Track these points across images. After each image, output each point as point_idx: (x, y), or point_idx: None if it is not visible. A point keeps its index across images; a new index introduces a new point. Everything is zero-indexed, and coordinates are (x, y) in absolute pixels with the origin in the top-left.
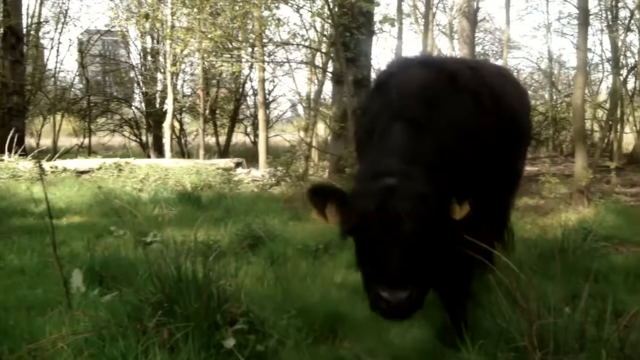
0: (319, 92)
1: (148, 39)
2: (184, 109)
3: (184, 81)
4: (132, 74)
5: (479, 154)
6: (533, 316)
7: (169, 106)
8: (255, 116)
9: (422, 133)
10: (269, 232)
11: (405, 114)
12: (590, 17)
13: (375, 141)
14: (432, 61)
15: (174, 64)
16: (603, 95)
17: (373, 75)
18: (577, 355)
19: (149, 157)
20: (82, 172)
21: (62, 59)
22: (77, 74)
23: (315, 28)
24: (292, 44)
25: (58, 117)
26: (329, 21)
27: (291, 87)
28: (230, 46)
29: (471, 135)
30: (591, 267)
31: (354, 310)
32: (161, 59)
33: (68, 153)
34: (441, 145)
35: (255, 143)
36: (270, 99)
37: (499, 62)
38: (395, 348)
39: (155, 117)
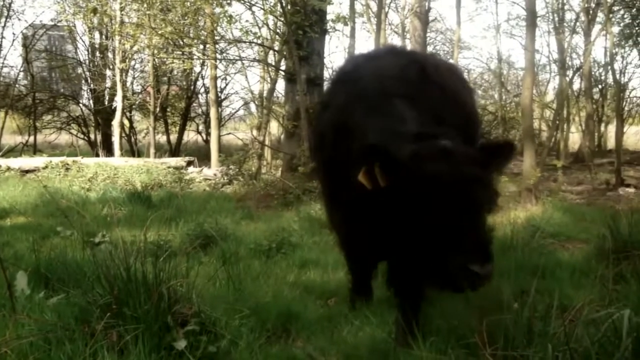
0: (271, 90)
1: (96, 34)
2: (133, 106)
3: (134, 78)
4: (79, 71)
5: None
6: (483, 313)
7: (118, 104)
8: (207, 114)
9: (423, 109)
10: (221, 231)
11: (400, 92)
12: (538, 19)
13: (371, 124)
14: (400, 51)
15: (123, 61)
16: (550, 96)
17: (326, 74)
18: (525, 349)
19: (97, 155)
20: (27, 171)
21: (5, 54)
22: (22, 69)
23: (268, 26)
24: (245, 42)
25: (1, 114)
26: (282, 19)
27: (244, 85)
28: (182, 43)
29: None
30: (539, 263)
31: (306, 309)
32: (110, 55)
33: (12, 151)
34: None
35: (207, 141)
36: (223, 96)
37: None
38: (347, 346)
39: (104, 115)
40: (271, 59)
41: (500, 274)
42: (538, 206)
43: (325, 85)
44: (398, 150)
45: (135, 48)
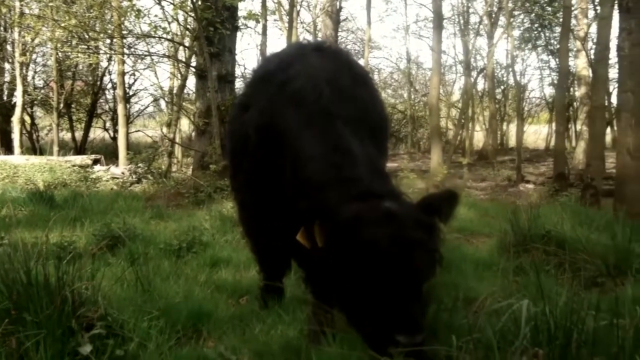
0: (182, 87)
1: None
2: (35, 102)
3: (35, 72)
4: None
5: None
6: None
7: (18, 99)
8: (114, 111)
9: (360, 133)
10: (130, 231)
11: (338, 111)
12: (444, 21)
13: (309, 138)
14: (326, 50)
15: (23, 54)
16: (456, 96)
17: (238, 71)
18: (432, 341)
19: None
20: None
21: None
22: None
23: (177, 21)
24: (154, 37)
25: None
26: (192, 15)
27: (153, 81)
28: (87, 37)
29: (375, 130)
30: (445, 257)
31: (218, 309)
32: (9, 47)
33: None
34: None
35: (114, 139)
36: (131, 93)
37: (361, 62)
38: (259, 345)
39: (2, 111)
40: (181, 55)
41: None
42: None
43: (238, 82)
44: (339, 210)
45: (36, 41)
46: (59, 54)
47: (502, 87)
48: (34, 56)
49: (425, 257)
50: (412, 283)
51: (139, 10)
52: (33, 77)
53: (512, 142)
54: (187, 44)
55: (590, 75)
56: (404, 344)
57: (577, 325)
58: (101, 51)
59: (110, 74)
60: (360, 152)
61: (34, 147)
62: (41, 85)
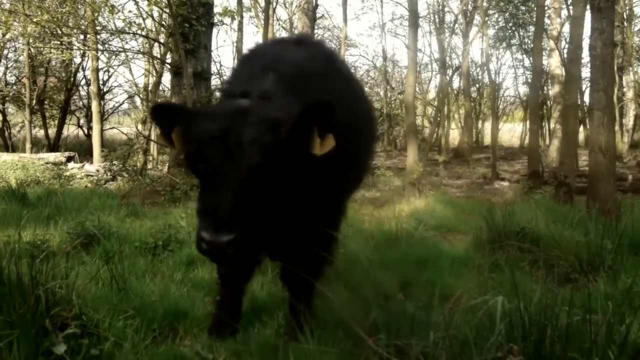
0: (157, 83)
1: None
2: (7, 98)
3: (7, 68)
4: None
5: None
6: (368, 304)
7: None
8: (89, 107)
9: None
10: (104, 229)
11: (279, 68)
12: (420, 19)
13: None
14: (307, 41)
15: None
16: (432, 94)
17: (213, 68)
18: (408, 338)
19: None
20: None
21: None
22: None
23: (152, 17)
24: (128, 33)
25: None
26: (167, 11)
27: (128, 77)
28: (60, 32)
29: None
30: (422, 255)
31: (194, 307)
32: None
33: None
34: None
35: (89, 136)
36: (106, 89)
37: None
38: (236, 343)
39: None
40: (157, 51)
41: (386, 266)
42: (421, 200)
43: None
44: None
45: (8, 36)
46: (31, 49)
47: (477, 85)
48: (5, 52)
49: (244, 154)
50: (228, 179)
51: (112, 6)
52: (5, 73)
53: (487, 140)
54: (162, 41)
55: (564, 74)
56: (207, 242)
57: (551, 321)
58: (74, 47)
59: (84, 70)
60: (269, 86)
61: (6, 144)
62: (13, 82)
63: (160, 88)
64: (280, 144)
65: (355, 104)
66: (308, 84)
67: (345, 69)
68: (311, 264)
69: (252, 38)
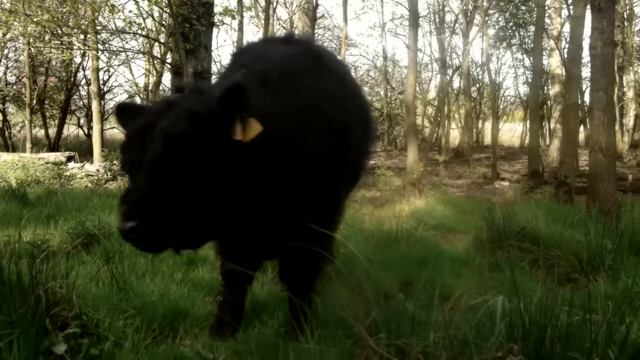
0: (157, 83)
1: None
2: (7, 98)
3: (7, 68)
4: None
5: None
6: (368, 304)
7: None
8: (89, 107)
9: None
10: (105, 229)
11: (254, 66)
12: (420, 19)
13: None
14: (294, 39)
15: None
16: (432, 93)
17: (214, 68)
18: (408, 338)
19: None
20: None
21: None
22: None
23: (152, 17)
24: (128, 33)
25: None
26: (167, 11)
27: (128, 77)
28: (60, 32)
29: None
30: (422, 254)
31: (194, 307)
32: None
33: None
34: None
35: (89, 136)
36: (106, 89)
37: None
38: (237, 342)
39: None
40: (157, 51)
41: (385, 266)
42: (422, 199)
43: (214, 79)
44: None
45: (8, 36)
46: (32, 49)
47: (478, 85)
48: (5, 51)
49: (153, 145)
50: (142, 170)
51: (113, 6)
52: (5, 73)
53: (487, 139)
54: (162, 40)
55: (564, 73)
56: (120, 231)
57: (551, 321)
58: (75, 47)
59: (84, 70)
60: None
61: (6, 144)
62: (13, 81)
63: (161, 88)
64: (191, 133)
65: (349, 103)
66: (289, 81)
67: (338, 68)
68: (308, 263)
69: (253, 38)
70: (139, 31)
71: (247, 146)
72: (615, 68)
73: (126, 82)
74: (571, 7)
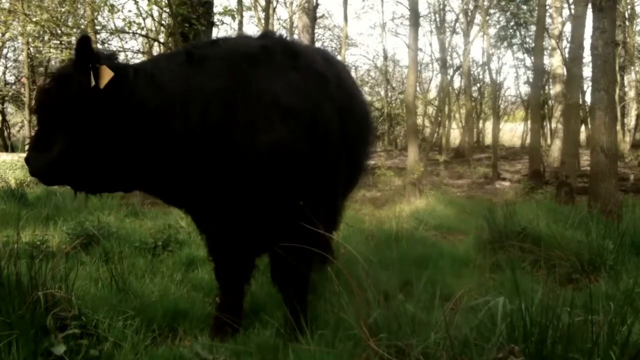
0: None
1: None
2: (6, 98)
3: (6, 68)
4: None
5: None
6: (368, 305)
7: None
8: None
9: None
10: (104, 229)
11: (196, 52)
12: (421, 19)
13: None
14: (268, 37)
15: None
16: (433, 93)
17: None
18: (409, 339)
19: None
20: None
21: None
22: None
23: (152, 17)
24: (128, 33)
25: None
26: (167, 10)
27: None
28: (59, 32)
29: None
30: (423, 254)
31: (194, 307)
32: None
33: None
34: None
35: None
36: None
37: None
38: (236, 343)
39: None
40: (156, 51)
41: (386, 266)
42: (422, 199)
43: None
44: None
45: (7, 35)
46: (31, 49)
47: (478, 85)
48: (4, 51)
49: (35, 102)
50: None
51: (112, 6)
52: (4, 73)
53: (488, 139)
54: (162, 40)
55: (565, 73)
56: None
57: (552, 322)
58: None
59: None
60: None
61: (5, 144)
62: (12, 81)
63: None
64: (52, 88)
65: (322, 98)
66: (222, 63)
67: (309, 64)
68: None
69: None
70: (139, 31)
71: (120, 97)
72: (617, 68)
73: None
74: (572, 6)
